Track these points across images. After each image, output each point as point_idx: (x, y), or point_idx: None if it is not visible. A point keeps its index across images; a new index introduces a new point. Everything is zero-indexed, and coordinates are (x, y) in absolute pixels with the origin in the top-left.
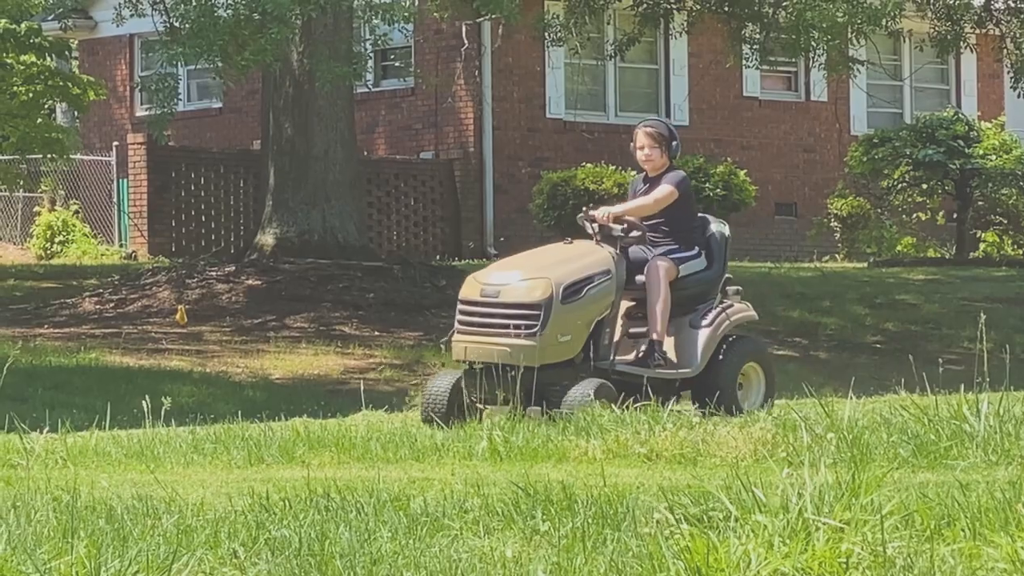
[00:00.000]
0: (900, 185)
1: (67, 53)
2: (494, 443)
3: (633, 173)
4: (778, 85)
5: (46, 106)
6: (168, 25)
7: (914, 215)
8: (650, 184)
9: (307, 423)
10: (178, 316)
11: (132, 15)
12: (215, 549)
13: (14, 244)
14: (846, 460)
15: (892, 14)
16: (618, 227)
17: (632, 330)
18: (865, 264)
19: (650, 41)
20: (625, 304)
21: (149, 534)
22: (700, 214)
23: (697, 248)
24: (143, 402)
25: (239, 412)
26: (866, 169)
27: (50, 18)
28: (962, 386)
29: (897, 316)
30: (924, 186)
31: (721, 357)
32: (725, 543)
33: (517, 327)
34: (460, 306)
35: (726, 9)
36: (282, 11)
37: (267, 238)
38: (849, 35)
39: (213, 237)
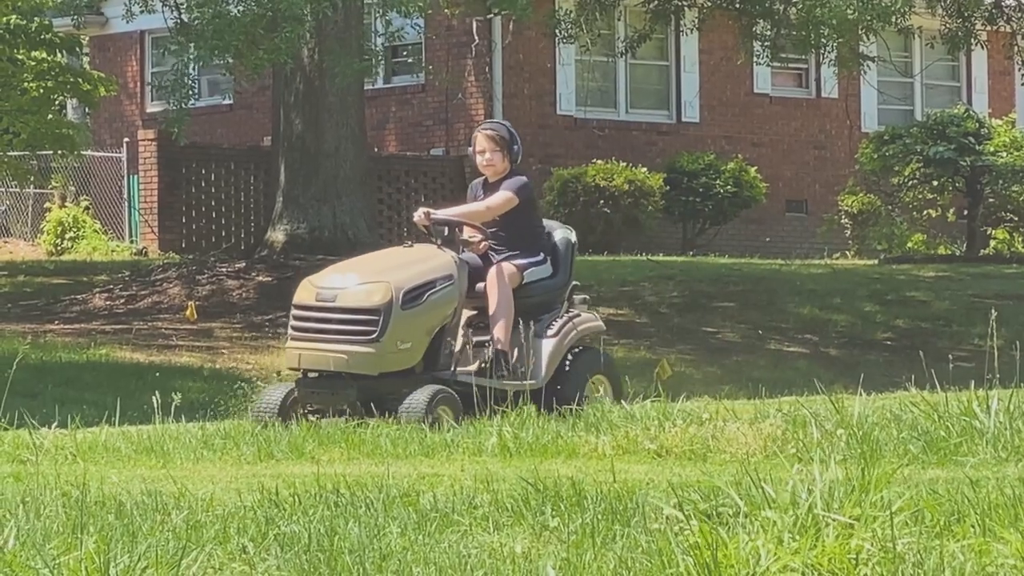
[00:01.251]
0: (911, 182)
1: (78, 49)
2: (504, 439)
3: (644, 170)
4: (789, 82)
5: (57, 102)
6: (179, 21)
7: (925, 212)
8: (489, 189)
9: (316, 419)
10: (188, 312)
11: (142, 11)
12: (224, 544)
13: (25, 240)
14: (856, 456)
15: (902, 11)
16: (443, 229)
17: (475, 339)
18: (875, 261)
19: (661, 38)
20: (467, 313)
21: (159, 529)
22: (546, 220)
23: (542, 254)
24: (153, 398)
25: (249, 408)
26: (877, 166)
27: (62, 14)
28: (972, 383)
29: (907, 313)
30: (935, 183)
31: (567, 369)
32: (735, 539)
33: (355, 333)
34: (294, 311)
35: (737, 6)
36: (296, 10)
37: (277, 234)
38: (859, 32)
39: (224, 233)
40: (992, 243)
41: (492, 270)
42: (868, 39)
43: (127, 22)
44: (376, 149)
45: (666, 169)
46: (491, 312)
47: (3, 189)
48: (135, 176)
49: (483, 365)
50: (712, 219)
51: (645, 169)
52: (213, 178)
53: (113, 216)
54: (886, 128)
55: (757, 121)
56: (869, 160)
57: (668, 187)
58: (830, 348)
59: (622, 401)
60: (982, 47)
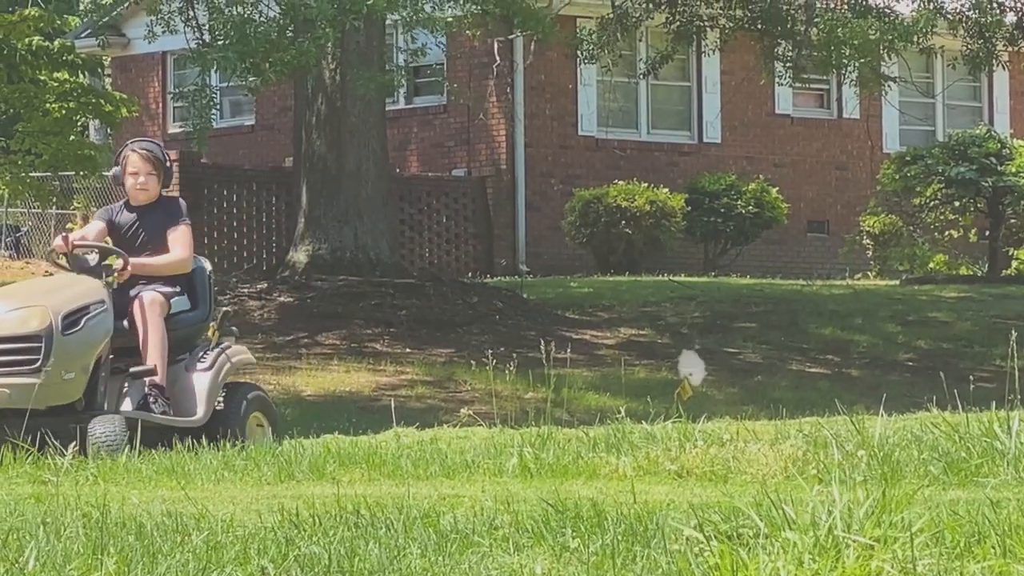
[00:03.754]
0: (932, 203)
1: (100, 70)
2: (525, 460)
3: (665, 191)
4: (810, 103)
5: (79, 123)
6: (200, 42)
7: (946, 233)
8: (141, 215)
9: (338, 440)
10: (210, 333)
11: (164, 32)
12: (244, 565)
13: (47, 260)
14: (877, 477)
15: (924, 31)
16: (86, 258)
17: (125, 372)
18: (897, 281)
19: (682, 58)
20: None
21: (179, 550)
22: None
23: (178, 286)
24: None
25: (270, 429)
26: (898, 187)
27: (83, 35)
28: (993, 404)
29: (929, 334)
30: (956, 204)
31: (227, 406)
32: (755, 560)
33: (15, 364)
34: None
35: (759, 27)
36: (323, 17)
37: (299, 255)
38: (881, 52)
39: (245, 254)
40: (1014, 264)
41: (140, 299)
42: (889, 59)
43: (149, 43)
44: (398, 170)
45: (688, 190)
46: (144, 343)
47: (25, 210)
48: None
49: (142, 399)
50: (734, 240)
51: (666, 190)
52: (235, 199)
53: None
54: (908, 149)
55: (779, 142)
56: (891, 181)
57: (689, 207)
58: (852, 369)
59: (279, 436)
60: (1004, 68)
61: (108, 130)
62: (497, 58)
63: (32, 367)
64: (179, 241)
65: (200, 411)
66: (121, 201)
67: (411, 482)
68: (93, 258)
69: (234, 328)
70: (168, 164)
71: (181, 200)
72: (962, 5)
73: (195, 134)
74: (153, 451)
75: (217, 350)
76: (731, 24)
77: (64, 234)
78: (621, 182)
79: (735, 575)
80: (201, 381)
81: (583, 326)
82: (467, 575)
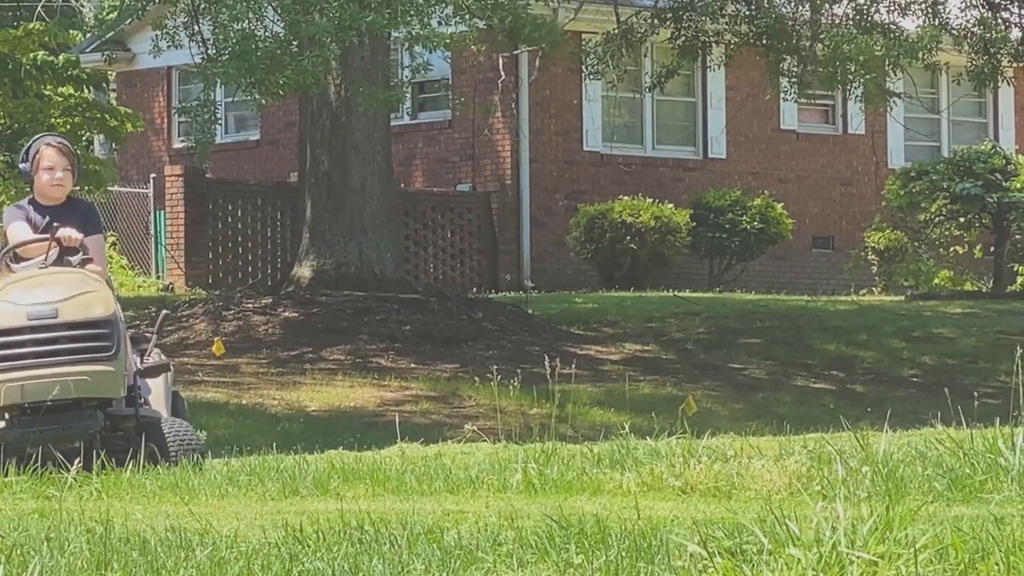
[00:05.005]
0: (937, 218)
1: (105, 85)
2: (529, 476)
3: (670, 206)
4: (815, 118)
5: (84, 138)
6: (205, 57)
7: (951, 248)
8: (54, 215)
9: (342, 455)
10: (215, 348)
11: (169, 46)
12: None
13: None
14: (881, 493)
15: (929, 47)
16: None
17: None
18: (902, 297)
19: (687, 74)
20: None
21: (183, 566)
22: None
23: None
24: None
25: (274, 444)
26: (903, 202)
27: (88, 50)
28: (998, 420)
29: (934, 350)
30: (961, 219)
31: (175, 409)
32: None
33: (90, 351)
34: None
35: (764, 42)
36: (322, 35)
37: (304, 270)
38: (886, 68)
39: (250, 269)
40: (1019, 280)
41: None
42: (895, 75)
43: (154, 57)
44: (403, 185)
45: (692, 205)
46: None
47: None
48: (161, 212)
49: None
50: (739, 255)
51: (671, 205)
52: (240, 214)
53: (140, 252)
54: (913, 164)
55: (784, 157)
56: (896, 196)
57: (694, 223)
58: (856, 385)
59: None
60: (1008, 84)
61: (113, 145)
62: (502, 73)
63: (107, 354)
64: (100, 254)
65: (163, 414)
66: (27, 199)
67: (415, 498)
68: (77, 258)
69: (149, 333)
70: (80, 161)
71: (94, 206)
72: (967, 21)
73: (197, 148)
74: (158, 466)
75: (155, 354)
76: (736, 39)
77: (55, 226)
78: (626, 197)
79: None
80: (155, 384)
81: (588, 342)
82: None
